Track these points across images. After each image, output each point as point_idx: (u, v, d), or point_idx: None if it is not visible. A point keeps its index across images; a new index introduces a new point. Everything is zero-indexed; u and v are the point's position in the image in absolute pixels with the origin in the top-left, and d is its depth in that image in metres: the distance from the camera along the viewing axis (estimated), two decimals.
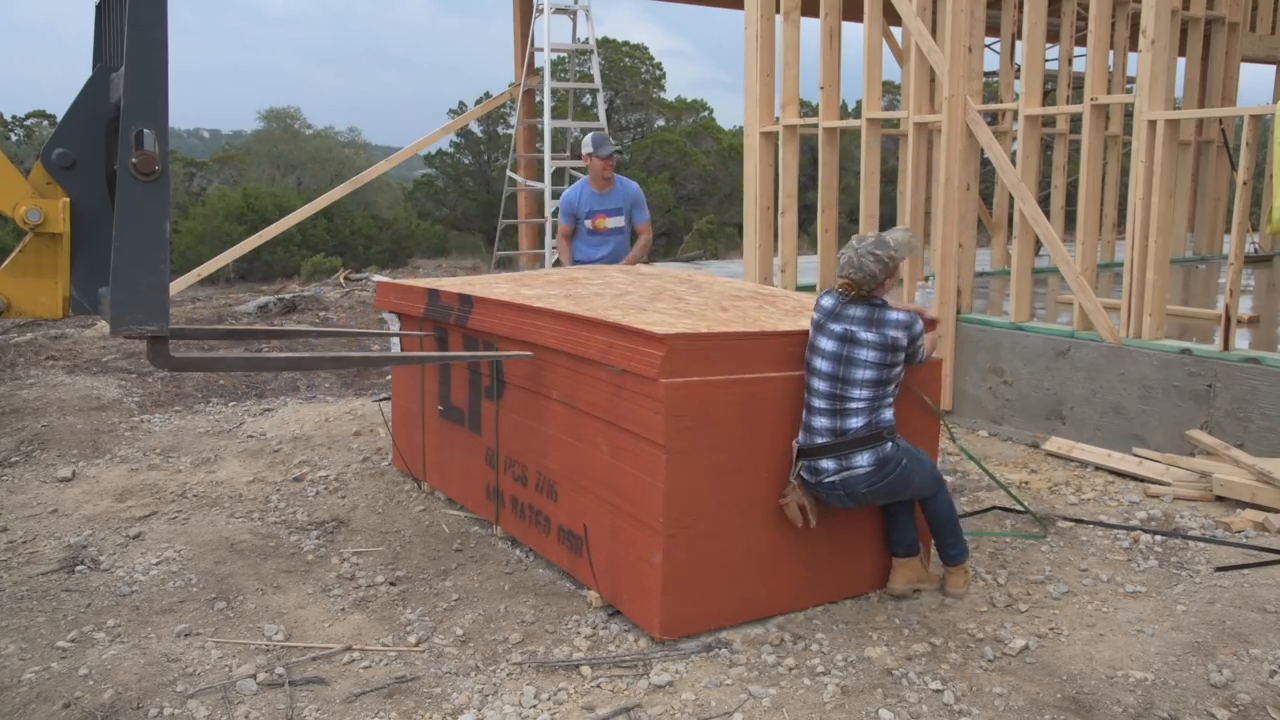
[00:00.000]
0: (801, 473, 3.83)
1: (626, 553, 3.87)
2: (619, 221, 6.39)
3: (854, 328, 3.79)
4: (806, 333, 3.94)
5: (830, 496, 3.83)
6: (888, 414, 3.83)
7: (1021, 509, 5.07)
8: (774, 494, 3.87)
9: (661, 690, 3.43)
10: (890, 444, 3.81)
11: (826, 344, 3.82)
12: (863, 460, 3.77)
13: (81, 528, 4.98)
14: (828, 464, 3.78)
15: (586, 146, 6.45)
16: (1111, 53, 9.09)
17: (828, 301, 3.92)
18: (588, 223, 6.42)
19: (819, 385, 3.80)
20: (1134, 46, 7.78)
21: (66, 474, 5.75)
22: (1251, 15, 11.36)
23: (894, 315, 3.82)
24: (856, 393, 3.76)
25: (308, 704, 3.36)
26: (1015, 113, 7.30)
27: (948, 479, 5.63)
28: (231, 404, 7.47)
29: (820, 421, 3.80)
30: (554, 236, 12.52)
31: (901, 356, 3.83)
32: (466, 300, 4.82)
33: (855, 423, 3.77)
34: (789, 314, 4.34)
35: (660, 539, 3.67)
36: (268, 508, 5.30)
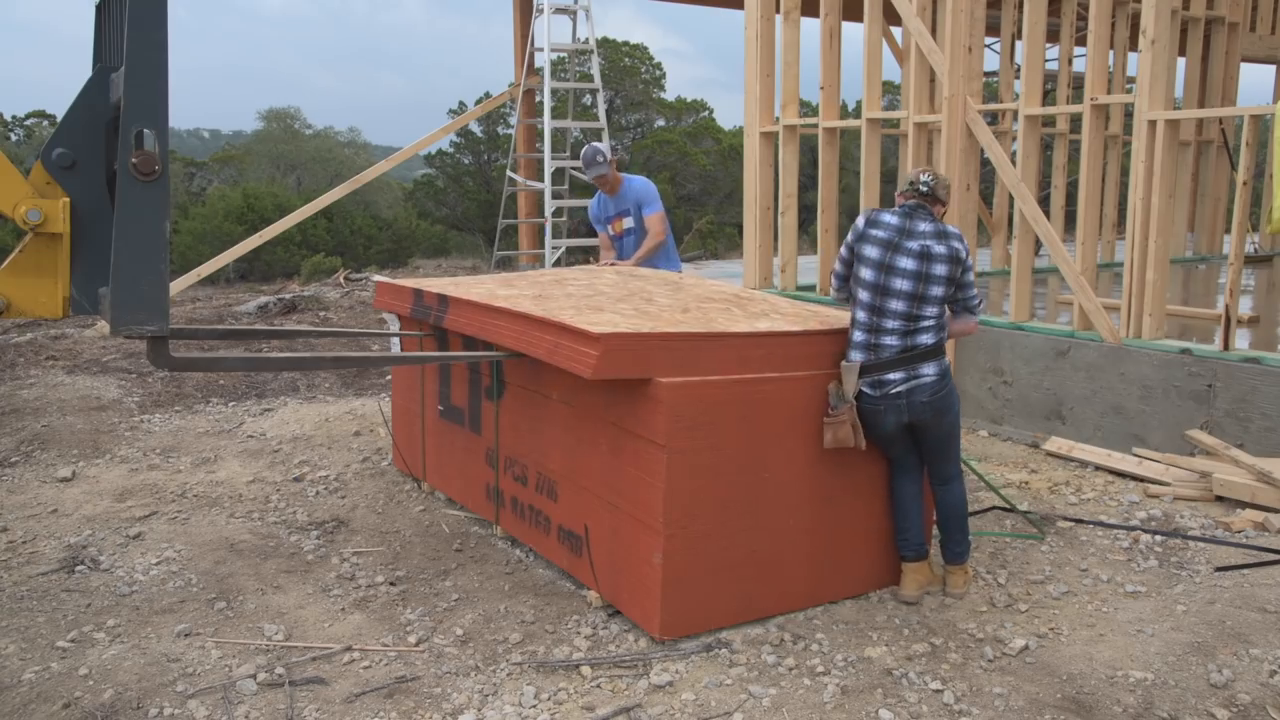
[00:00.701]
0: (864, 387, 3.93)
1: (626, 553, 3.87)
2: (630, 222, 6.41)
3: (929, 243, 3.95)
4: (758, 335, 3.91)
5: (888, 410, 3.93)
6: (944, 331, 4.03)
7: (1020, 513, 5.06)
8: (774, 494, 3.87)
9: (661, 690, 3.43)
10: (947, 359, 4.03)
11: (907, 263, 3.95)
12: (929, 370, 3.94)
13: (81, 528, 4.98)
14: (895, 375, 3.92)
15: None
16: (1111, 53, 9.09)
17: (892, 219, 4.04)
18: (610, 228, 6.47)
19: (896, 305, 3.94)
20: (1134, 46, 7.78)
21: (66, 474, 5.75)
22: (1251, 15, 11.36)
23: (953, 229, 4.05)
24: (930, 310, 3.95)
25: (308, 704, 3.36)
26: (1015, 113, 7.30)
27: None
28: (231, 404, 7.47)
29: (890, 340, 3.94)
30: (554, 236, 12.56)
31: (959, 271, 3.99)
32: (444, 300, 4.78)
33: (926, 339, 3.94)
34: (752, 316, 4.26)
35: (660, 539, 3.67)
36: (268, 508, 5.30)
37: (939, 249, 3.95)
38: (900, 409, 3.94)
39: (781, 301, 4.71)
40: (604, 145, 6.45)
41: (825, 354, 4.05)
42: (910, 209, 4.04)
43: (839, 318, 4.32)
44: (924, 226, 4.00)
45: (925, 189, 4.06)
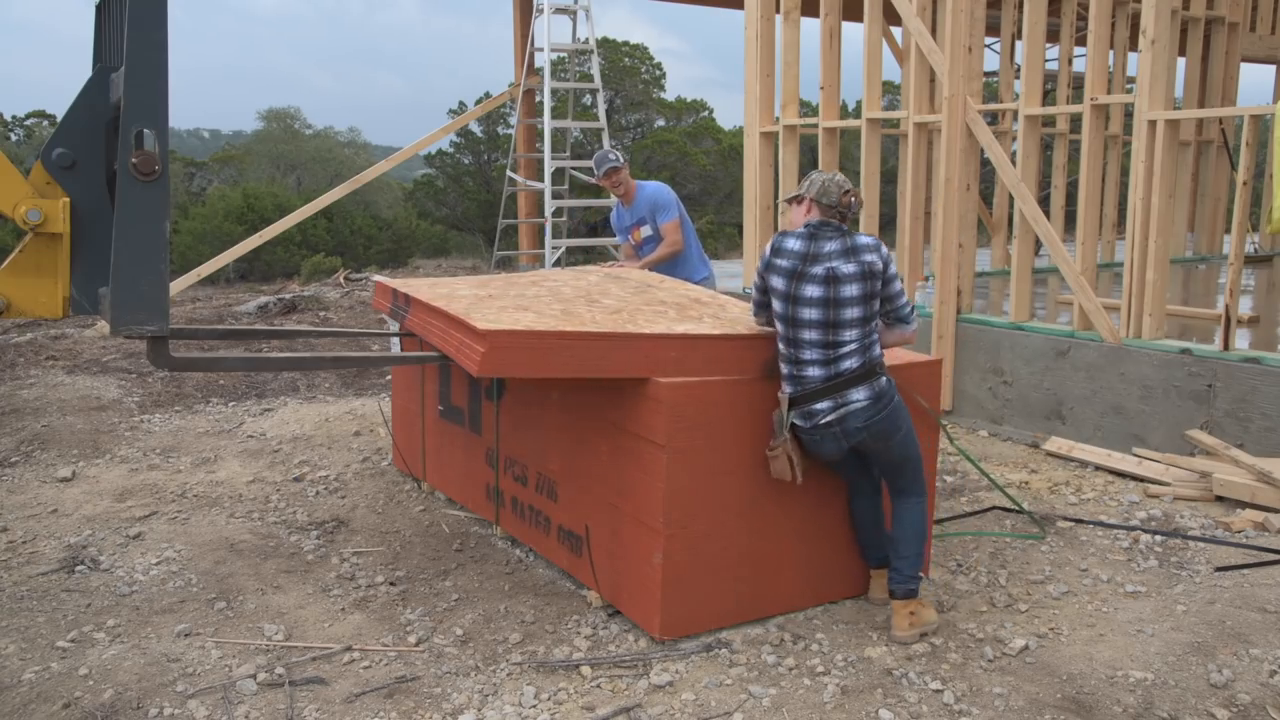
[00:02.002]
0: (794, 419, 3.71)
1: (627, 553, 3.87)
2: (648, 230, 6.34)
3: (834, 264, 3.67)
4: (673, 337, 3.75)
5: (824, 440, 3.71)
6: (877, 349, 3.75)
7: (1023, 512, 5.06)
8: (774, 494, 3.87)
9: (661, 690, 3.43)
10: (884, 379, 3.73)
11: (812, 290, 3.67)
12: (859, 395, 3.67)
13: (81, 528, 4.98)
14: (823, 405, 3.68)
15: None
16: (1111, 53, 9.09)
17: (795, 244, 3.75)
18: (630, 237, 6.44)
19: (809, 335, 3.68)
20: (1134, 46, 7.78)
21: (66, 474, 5.75)
22: (1251, 15, 11.36)
23: (863, 239, 3.74)
24: (848, 334, 3.67)
25: (308, 704, 3.36)
26: (1015, 113, 7.30)
27: (947, 479, 5.63)
28: (231, 404, 7.47)
29: (813, 371, 3.69)
30: (554, 236, 12.56)
31: (878, 285, 3.70)
32: (408, 300, 4.73)
33: (850, 363, 3.68)
34: (686, 320, 4.10)
35: (660, 539, 3.67)
36: (268, 508, 5.30)
37: (846, 268, 3.66)
38: (836, 437, 3.71)
39: (735, 306, 4.55)
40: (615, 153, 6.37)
41: (748, 360, 3.86)
42: (814, 228, 3.75)
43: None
44: (829, 246, 3.70)
45: (848, 209, 3.78)
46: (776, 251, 3.79)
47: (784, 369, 3.76)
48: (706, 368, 3.77)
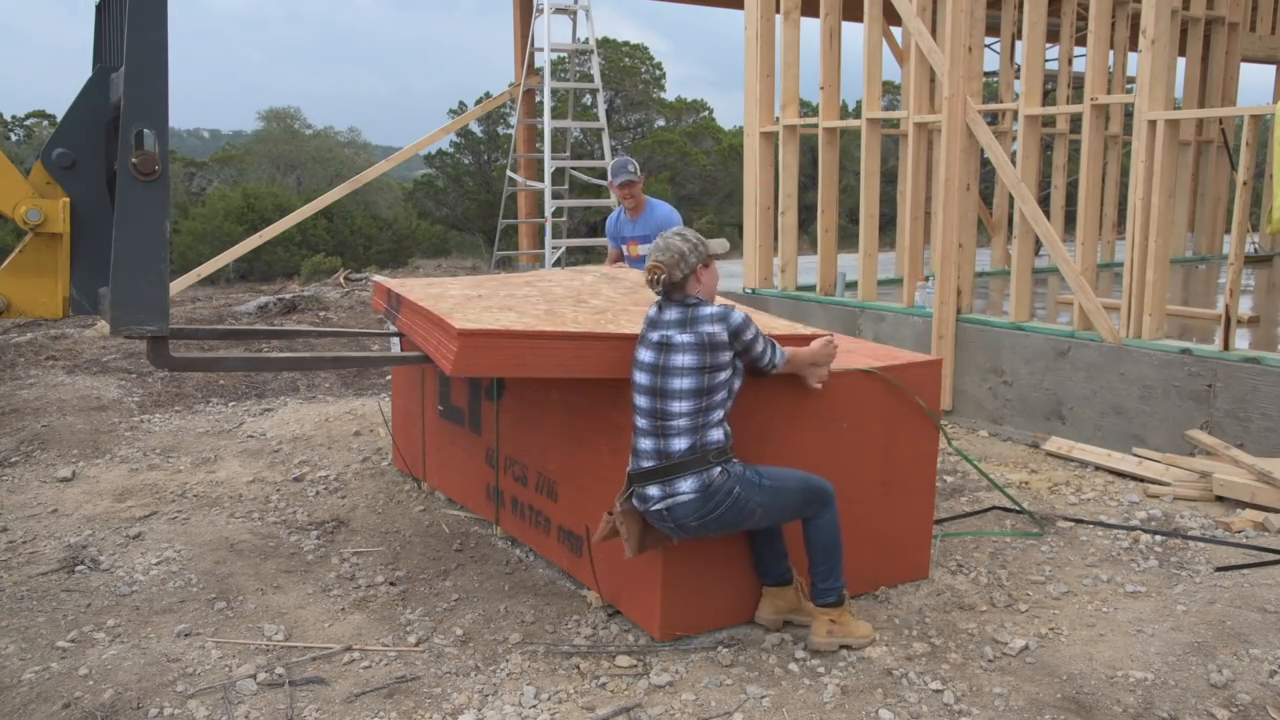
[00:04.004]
0: (632, 499, 3.53)
1: None
2: (649, 248, 6.32)
3: (670, 332, 3.48)
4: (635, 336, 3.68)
5: (661, 526, 3.52)
6: (715, 434, 3.47)
7: (1023, 511, 5.06)
8: None
9: (661, 690, 3.43)
10: (719, 469, 3.44)
11: (645, 354, 3.53)
12: (686, 486, 3.41)
13: (81, 528, 4.98)
14: (653, 490, 3.46)
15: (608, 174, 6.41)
16: (1111, 53, 9.10)
17: (651, 311, 3.63)
18: (625, 249, 6.40)
19: (640, 402, 3.52)
20: (1134, 46, 7.78)
21: (66, 474, 5.75)
22: (1251, 15, 11.37)
23: (708, 310, 3.49)
24: (676, 406, 3.43)
25: (308, 704, 3.36)
26: (1015, 113, 7.30)
27: (947, 479, 5.63)
28: (231, 404, 7.47)
29: (645, 444, 3.51)
30: (554, 236, 12.56)
31: (725, 357, 3.46)
32: (399, 300, 4.73)
33: (679, 444, 3.43)
34: None
35: None
36: (268, 508, 5.31)
37: (682, 338, 3.44)
38: (672, 528, 3.50)
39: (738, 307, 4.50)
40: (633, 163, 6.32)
41: None
42: (661, 301, 3.59)
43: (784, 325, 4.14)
44: (670, 315, 3.52)
45: (658, 287, 3.52)
46: (644, 318, 3.67)
47: (631, 440, 3.60)
48: None
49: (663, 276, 3.50)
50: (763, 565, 3.82)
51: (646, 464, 3.50)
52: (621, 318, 4.03)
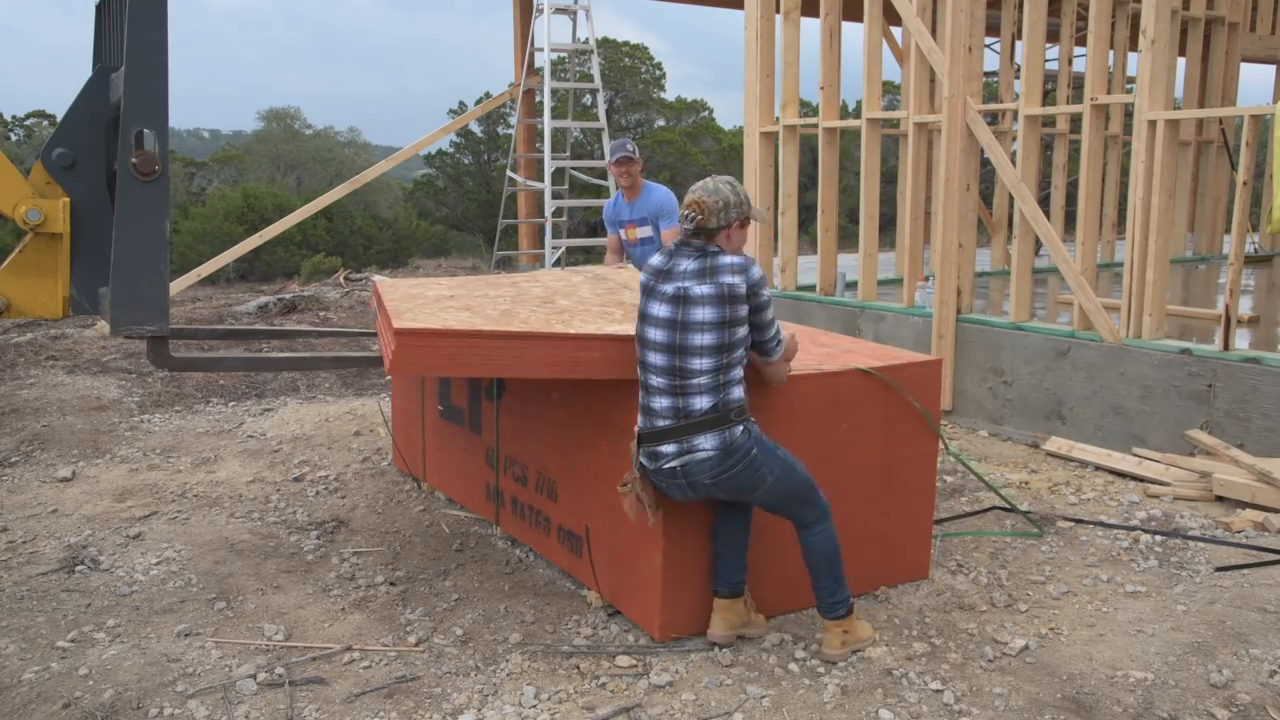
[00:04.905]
0: (641, 459, 3.45)
1: (627, 553, 3.87)
2: (647, 231, 6.24)
3: (687, 283, 3.33)
4: (596, 338, 3.62)
5: (671, 486, 3.44)
6: (737, 391, 3.37)
7: (1019, 511, 5.06)
8: None
9: (661, 690, 3.43)
10: (741, 428, 3.36)
11: (659, 309, 3.37)
12: (706, 444, 3.32)
13: (81, 528, 4.98)
14: (668, 448, 3.37)
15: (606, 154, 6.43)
16: (1111, 53, 9.09)
17: (657, 260, 3.48)
18: (623, 233, 6.37)
19: (655, 359, 3.38)
20: (1134, 46, 7.78)
21: (66, 474, 5.75)
22: (1251, 15, 11.37)
23: (727, 259, 3.36)
24: (697, 363, 3.31)
25: (308, 704, 3.36)
26: (1015, 113, 7.30)
27: (947, 479, 5.63)
28: (231, 404, 7.47)
29: (661, 402, 3.38)
30: (554, 236, 12.56)
31: (743, 310, 3.34)
32: (379, 299, 4.73)
33: (702, 403, 3.32)
34: (627, 321, 3.94)
35: (660, 539, 3.67)
36: (268, 508, 5.31)
37: (700, 289, 3.30)
38: (681, 487, 3.41)
39: None
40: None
41: None
42: (676, 245, 3.47)
43: None
44: (685, 265, 3.38)
45: (689, 224, 3.39)
46: (647, 265, 3.55)
47: (640, 398, 3.49)
48: (633, 368, 3.60)
49: (699, 217, 3.36)
50: (723, 570, 3.69)
51: (661, 423, 3.39)
52: (578, 319, 3.94)
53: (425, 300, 4.23)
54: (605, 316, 4.03)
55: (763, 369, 3.66)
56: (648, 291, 3.46)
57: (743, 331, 3.38)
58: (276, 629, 3.88)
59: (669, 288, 3.38)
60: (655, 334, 3.39)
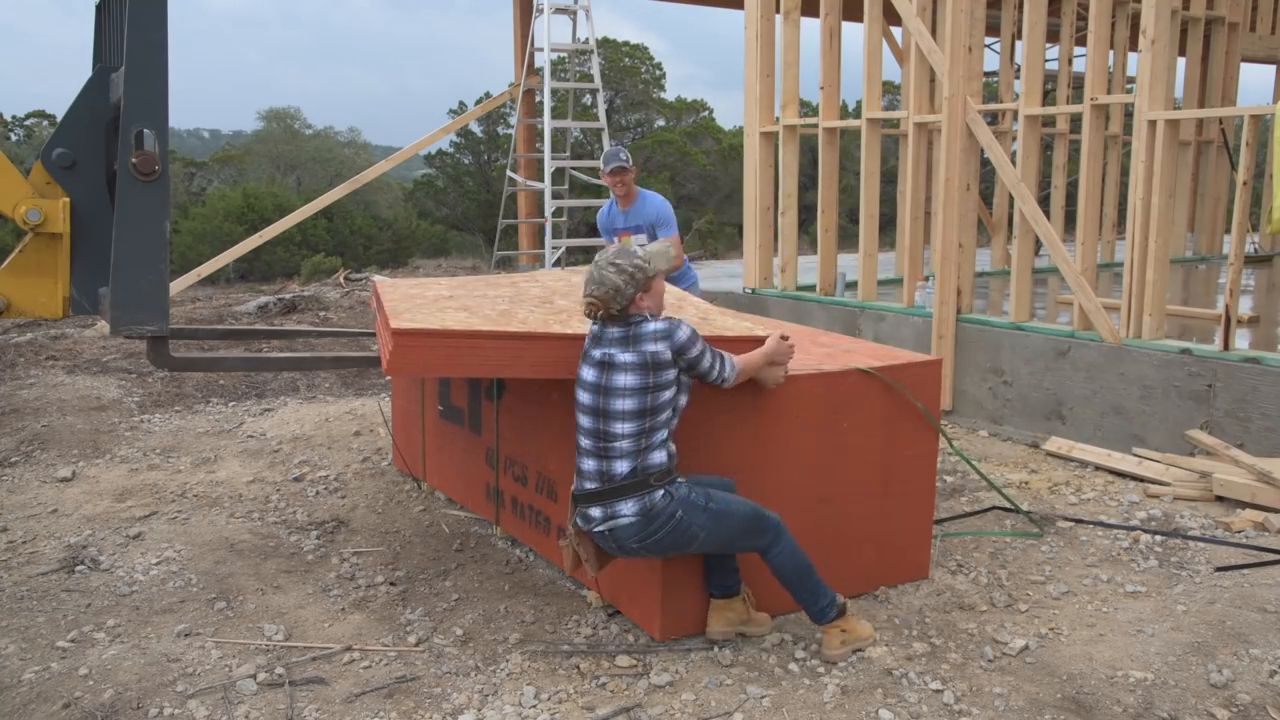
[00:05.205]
0: (576, 519, 3.51)
1: None
2: (642, 240, 6.23)
3: (612, 350, 3.37)
4: (577, 336, 3.61)
5: (605, 546, 3.49)
6: (657, 456, 3.38)
7: (1020, 511, 5.06)
8: (773, 495, 3.86)
9: (661, 690, 3.43)
10: (661, 492, 3.37)
11: (587, 373, 3.43)
12: (627, 510, 3.35)
13: (81, 528, 4.98)
14: (595, 511, 3.41)
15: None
16: (1111, 53, 9.09)
17: (595, 326, 3.50)
18: (617, 240, 6.31)
19: (583, 421, 3.44)
20: (1134, 46, 7.78)
21: (66, 474, 5.75)
22: (1251, 15, 11.37)
23: (651, 326, 3.37)
24: (618, 427, 3.34)
25: (308, 704, 3.36)
26: (1015, 113, 7.30)
27: (947, 479, 5.63)
28: (231, 404, 7.47)
29: (588, 464, 3.44)
30: (554, 236, 12.55)
31: (670, 376, 3.37)
32: (378, 300, 4.72)
33: (621, 467, 3.36)
34: None
35: None
36: (268, 508, 5.30)
37: (624, 357, 3.33)
38: (615, 549, 3.46)
39: (693, 307, 4.47)
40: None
41: None
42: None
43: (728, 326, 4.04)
44: (612, 331, 3.40)
45: (593, 291, 3.36)
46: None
47: (576, 458, 3.54)
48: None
49: (600, 313, 3.40)
50: (711, 577, 3.74)
51: (589, 485, 3.44)
52: (576, 319, 3.92)
53: (424, 300, 4.23)
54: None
55: (761, 374, 3.69)
56: (583, 356, 3.50)
57: (666, 395, 3.39)
58: (276, 629, 3.88)
59: (597, 353, 3.42)
60: (584, 397, 3.44)
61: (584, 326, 3.69)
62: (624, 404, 3.34)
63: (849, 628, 3.64)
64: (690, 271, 6.43)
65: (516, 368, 3.62)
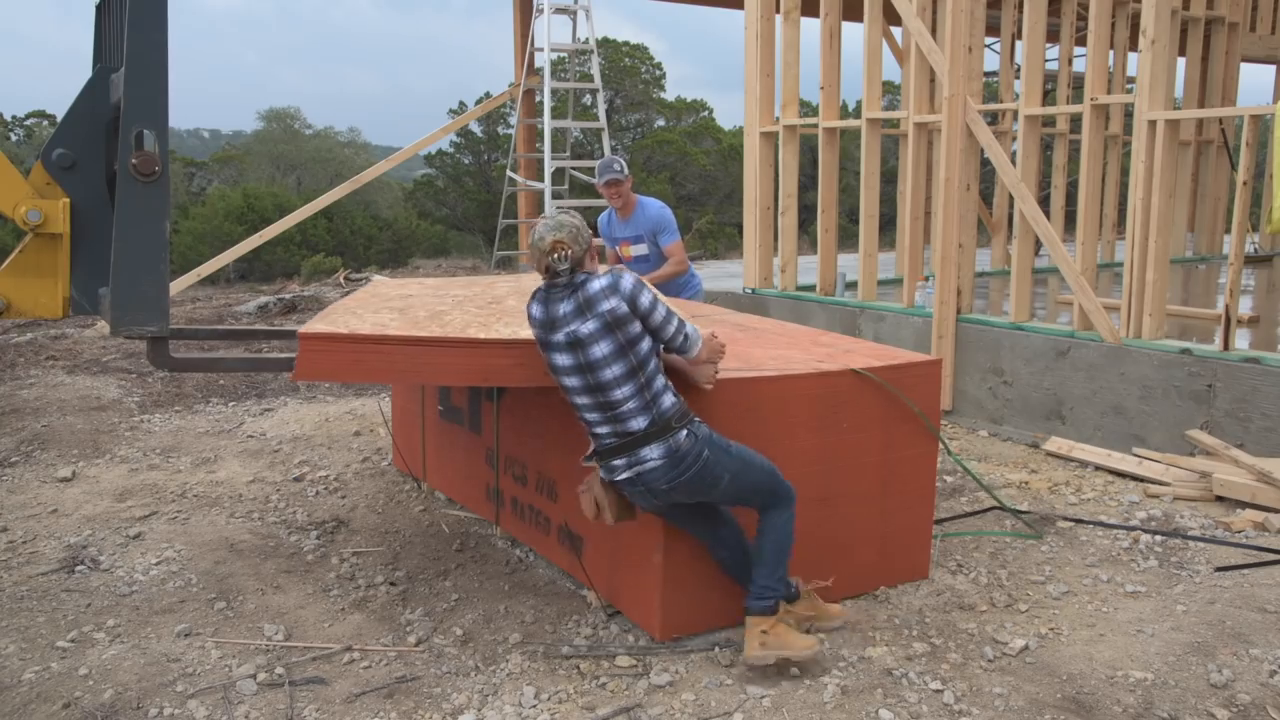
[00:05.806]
0: (601, 471, 3.52)
1: (626, 552, 3.87)
2: (642, 249, 6.09)
3: (573, 326, 3.32)
4: (514, 343, 3.59)
5: (634, 495, 3.48)
6: (667, 399, 3.38)
7: (1013, 512, 5.06)
8: None
9: (661, 690, 3.43)
10: (685, 433, 3.37)
11: (561, 359, 3.37)
12: (653, 454, 3.35)
13: (81, 528, 4.98)
14: (619, 462, 3.41)
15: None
16: (1111, 53, 9.09)
17: (536, 311, 3.43)
18: (618, 250, 6.26)
19: (580, 400, 3.41)
20: (1134, 46, 7.78)
21: (66, 474, 5.75)
22: (1251, 15, 11.37)
23: (595, 285, 3.31)
24: (618, 393, 3.32)
25: (308, 704, 3.36)
26: (1015, 113, 7.30)
27: (947, 479, 5.63)
28: (231, 404, 7.47)
29: (601, 429, 3.42)
30: None
31: (636, 329, 3.31)
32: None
33: (637, 423, 3.34)
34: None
35: (660, 538, 3.67)
36: (268, 508, 5.31)
37: (586, 327, 3.28)
38: (642, 494, 3.45)
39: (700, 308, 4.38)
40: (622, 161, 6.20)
41: None
42: (544, 292, 3.42)
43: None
44: (563, 309, 3.34)
45: (564, 264, 3.34)
46: (530, 320, 3.49)
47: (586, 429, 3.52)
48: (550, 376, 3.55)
49: (569, 253, 3.34)
50: (736, 575, 3.68)
51: (609, 443, 3.43)
52: (497, 322, 3.88)
53: (377, 301, 4.18)
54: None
55: (689, 372, 3.59)
56: (544, 346, 3.44)
57: (645, 345, 3.35)
58: (276, 629, 3.88)
59: (559, 336, 3.36)
60: (569, 381, 3.40)
61: (514, 330, 3.61)
62: (612, 371, 3.31)
63: (774, 631, 3.50)
64: (694, 279, 6.37)
65: (426, 374, 3.56)
